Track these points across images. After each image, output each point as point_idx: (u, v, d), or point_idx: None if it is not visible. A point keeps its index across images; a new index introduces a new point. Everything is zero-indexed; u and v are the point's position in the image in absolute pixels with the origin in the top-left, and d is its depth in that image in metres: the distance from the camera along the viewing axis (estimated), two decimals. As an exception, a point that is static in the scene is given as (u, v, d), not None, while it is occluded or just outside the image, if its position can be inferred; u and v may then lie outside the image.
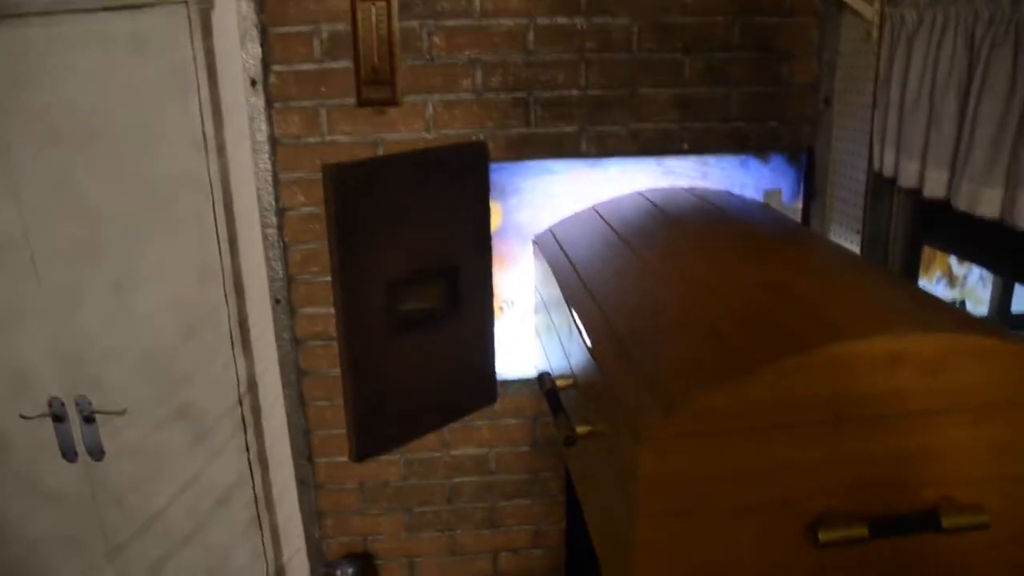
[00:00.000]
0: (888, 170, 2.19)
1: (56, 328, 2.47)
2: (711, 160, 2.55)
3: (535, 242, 2.41)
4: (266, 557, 2.84)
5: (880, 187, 2.34)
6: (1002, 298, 2.60)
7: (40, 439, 2.60)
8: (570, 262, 2.06)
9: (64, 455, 2.62)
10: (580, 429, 1.56)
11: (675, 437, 1.20)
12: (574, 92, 2.38)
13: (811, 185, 2.56)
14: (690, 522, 1.26)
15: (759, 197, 2.61)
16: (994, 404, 1.26)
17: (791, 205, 2.63)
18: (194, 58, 2.27)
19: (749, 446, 1.22)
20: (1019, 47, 1.70)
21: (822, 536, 1.23)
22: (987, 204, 1.82)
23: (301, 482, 2.66)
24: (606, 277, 1.90)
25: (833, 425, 1.24)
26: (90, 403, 2.58)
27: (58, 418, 2.58)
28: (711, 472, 1.23)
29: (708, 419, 1.20)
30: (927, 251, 2.44)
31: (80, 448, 2.62)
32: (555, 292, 1.98)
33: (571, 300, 1.81)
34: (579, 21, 2.32)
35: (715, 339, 1.38)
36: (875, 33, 2.22)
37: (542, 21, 2.31)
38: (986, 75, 1.78)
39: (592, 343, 1.58)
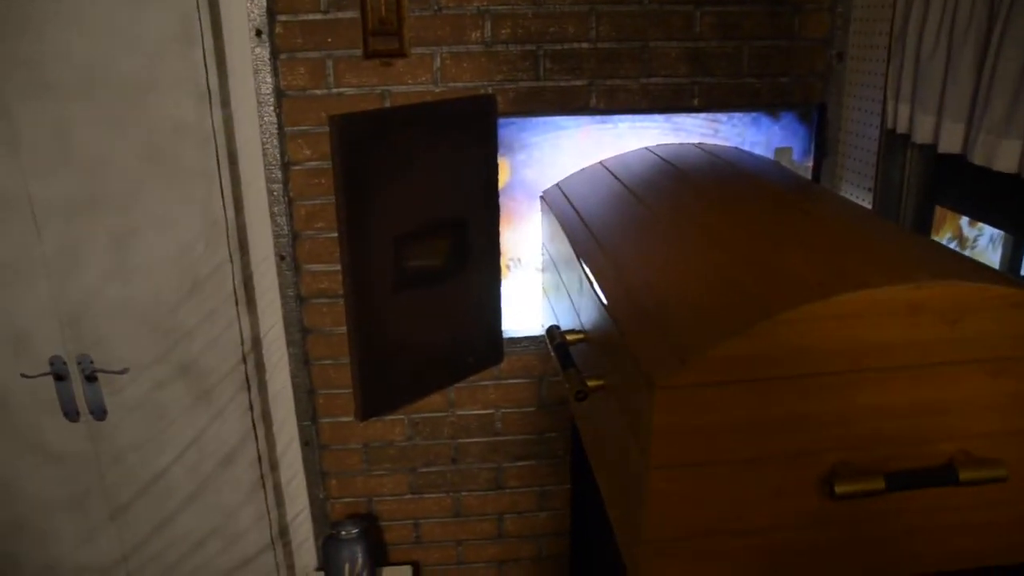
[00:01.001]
0: (902, 126, 2.15)
1: (57, 284, 2.45)
2: (722, 118, 2.51)
3: (543, 198, 2.37)
4: (269, 517, 2.84)
5: (893, 144, 2.30)
6: (1012, 259, 2.57)
7: (42, 398, 2.58)
8: (579, 217, 2.03)
9: (66, 414, 2.61)
10: (592, 383, 1.54)
11: (690, 387, 1.18)
12: (584, 45, 2.33)
13: (822, 142, 2.52)
14: (703, 473, 1.24)
15: (769, 155, 2.57)
16: (1013, 356, 1.24)
17: (802, 163, 2.59)
18: (197, 6, 2.23)
19: (765, 396, 1.20)
20: (1042, -4, 1.66)
21: (838, 488, 1.21)
22: (1005, 157, 1.79)
23: (305, 442, 2.65)
24: (617, 230, 1.86)
25: (851, 375, 1.21)
26: (92, 361, 2.56)
27: (59, 377, 2.56)
28: (726, 422, 1.21)
29: (724, 368, 1.18)
30: (937, 213, 2.41)
31: (82, 407, 2.61)
32: (565, 247, 1.95)
33: (582, 254, 1.78)
34: (589, -29, 2.27)
35: (730, 289, 1.35)
36: (891, -14, 2.17)
37: (552, -29, 2.26)
38: (1007, 24, 1.74)
39: (604, 295, 1.55)
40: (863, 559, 1.32)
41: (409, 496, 2.78)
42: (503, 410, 2.69)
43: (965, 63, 1.89)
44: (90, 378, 2.57)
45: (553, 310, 2.22)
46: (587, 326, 1.72)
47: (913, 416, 1.25)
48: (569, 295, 1.94)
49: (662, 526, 1.26)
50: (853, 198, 2.43)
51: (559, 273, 2.09)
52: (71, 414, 2.61)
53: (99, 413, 2.62)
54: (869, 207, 2.35)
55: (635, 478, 1.30)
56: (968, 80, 1.90)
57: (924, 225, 2.38)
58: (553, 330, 1.79)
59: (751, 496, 1.25)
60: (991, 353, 1.23)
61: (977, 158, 1.86)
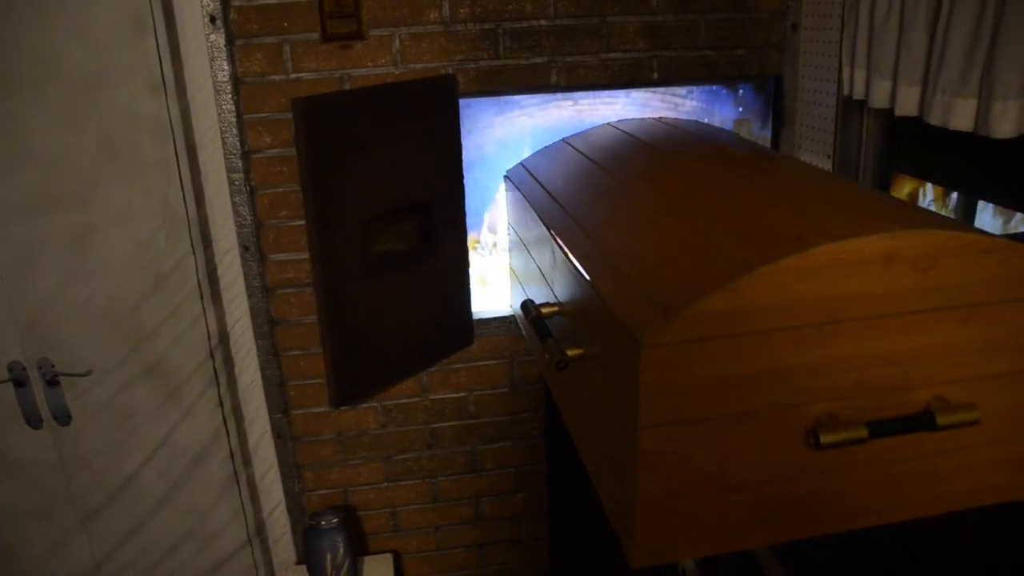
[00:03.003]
0: (858, 92, 2.19)
1: (13, 286, 2.38)
2: (681, 91, 2.54)
3: (507, 177, 2.37)
4: (245, 514, 2.80)
5: (849, 111, 2.34)
6: (965, 219, 2.64)
7: (1, 406, 2.51)
8: (547, 192, 2.03)
9: (28, 422, 2.54)
10: (571, 352, 1.54)
11: (675, 344, 1.19)
12: (543, 22, 2.33)
13: (780, 113, 2.56)
14: (691, 431, 1.25)
15: (729, 127, 2.60)
16: (982, 302, 1.27)
17: (761, 135, 2.62)
18: (148, -5, 2.19)
19: (749, 351, 1.22)
20: (991, -46, 1.70)
21: (823, 438, 1.23)
22: (961, 116, 1.83)
23: (278, 435, 2.62)
24: (587, 202, 1.87)
25: (831, 327, 1.23)
26: (53, 365, 2.50)
27: (20, 383, 2.49)
28: (711, 378, 1.22)
29: (707, 324, 1.19)
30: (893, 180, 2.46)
31: (45, 413, 2.54)
32: (534, 223, 1.95)
33: (553, 227, 1.79)
34: (547, -53, 2.27)
35: (708, 248, 1.36)
36: (842, -46, 2.21)
37: (509, -52, 2.26)
38: (958, -14, 1.78)
39: (580, 263, 1.55)
40: (850, 507, 1.35)
41: (385, 484, 2.77)
42: (476, 392, 2.69)
43: (918, 26, 1.93)
44: (52, 383, 2.51)
45: (523, 287, 2.22)
46: (562, 299, 1.73)
47: (890, 365, 1.28)
48: (541, 271, 1.94)
49: (654, 485, 1.26)
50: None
51: (528, 251, 2.09)
52: (33, 421, 2.54)
53: (63, 418, 2.56)
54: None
55: (624, 441, 1.31)
56: (922, 43, 1.93)
57: (883, 189, 2.42)
58: (528, 304, 1.79)
59: (740, 450, 1.27)
60: (961, 300, 1.26)
61: (933, 119, 1.90)
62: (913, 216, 1.41)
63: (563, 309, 1.72)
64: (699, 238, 1.43)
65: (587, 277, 1.49)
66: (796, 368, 1.24)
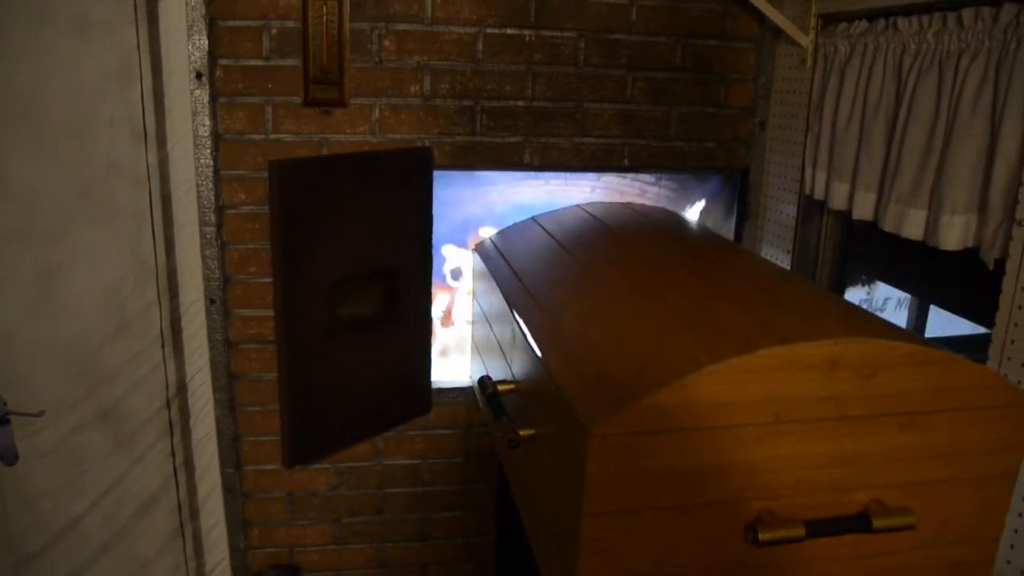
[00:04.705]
0: (819, 192, 2.28)
1: (-27, 321, 2.36)
2: (649, 178, 2.61)
3: (475, 251, 2.42)
4: (187, 568, 2.75)
5: (811, 209, 2.42)
6: (917, 322, 2.72)
7: (-52, 442, 2.47)
8: (512, 270, 2.07)
9: (-27, 458, 2.50)
10: (524, 432, 1.57)
11: (623, 435, 1.22)
12: (520, 103, 2.41)
13: (744, 205, 2.64)
14: (634, 520, 1.28)
15: (694, 216, 2.67)
16: (920, 411, 1.32)
17: (725, 225, 2.70)
18: (138, 46, 2.22)
19: (695, 445, 1.25)
20: (943, 77, 1.80)
21: (762, 535, 1.26)
22: (912, 225, 1.91)
23: (228, 490, 2.59)
24: (549, 284, 1.92)
25: (774, 427, 1.27)
26: (5, 403, 2.46)
27: (-31, 420, 2.46)
28: (657, 470, 1.25)
29: (657, 417, 1.23)
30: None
31: (-8, 451, 2.50)
32: (497, 299, 1.99)
33: (515, 306, 1.83)
34: (528, 33, 2.36)
35: (662, 338, 1.41)
36: (809, 61, 2.32)
37: (492, 31, 2.34)
38: (912, 103, 1.88)
39: (537, 345, 1.59)
40: (785, 604, 1.37)
41: (333, 547, 2.74)
42: (430, 460, 2.69)
43: (877, 136, 2.02)
44: (2, 421, 2.47)
45: (484, 361, 2.25)
46: (519, 377, 1.76)
47: (830, 467, 1.32)
48: (500, 347, 1.97)
49: (595, 571, 1.28)
50: (773, 259, 2.54)
51: (490, 325, 2.13)
52: (-21, 458, 2.50)
53: (9, 457, 2.51)
54: (788, 268, 2.46)
55: (568, 526, 1.33)
56: (879, 152, 2.03)
57: (839, 287, 2.50)
58: (485, 380, 1.82)
59: (682, 542, 1.29)
60: (901, 407, 1.32)
61: (887, 225, 1.98)
62: (859, 323, 1.47)
63: (519, 388, 1.75)
64: (655, 330, 1.48)
65: (544, 361, 1.53)
66: (739, 465, 1.28)
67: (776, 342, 1.26)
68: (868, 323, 1.49)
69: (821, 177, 2.26)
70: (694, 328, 1.42)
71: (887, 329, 1.45)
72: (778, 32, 2.40)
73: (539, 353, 1.56)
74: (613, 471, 1.24)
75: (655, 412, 1.22)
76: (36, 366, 2.44)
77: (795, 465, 1.30)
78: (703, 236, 2.27)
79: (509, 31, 2.35)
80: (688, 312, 1.52)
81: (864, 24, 2.07)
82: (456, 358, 2.70)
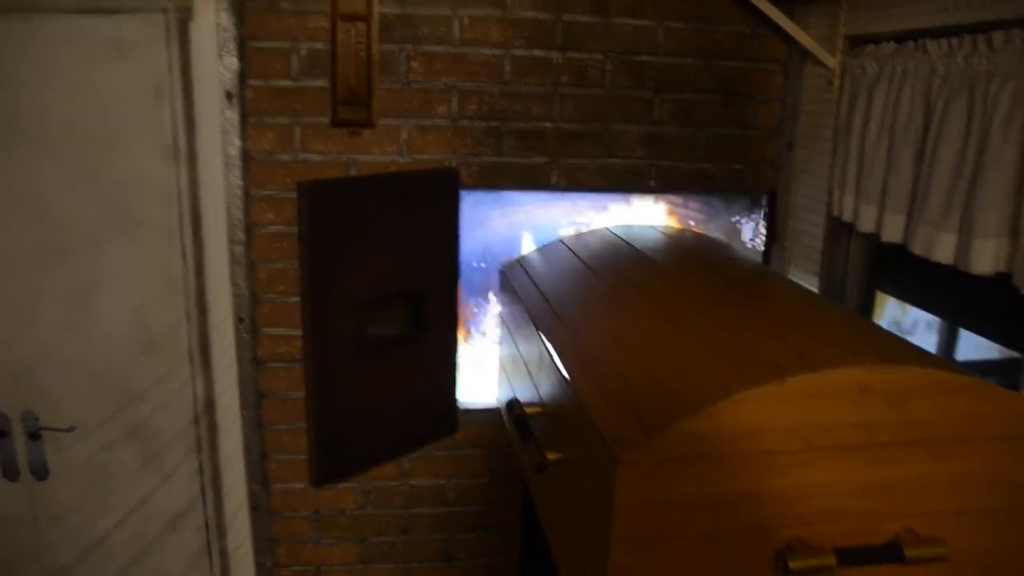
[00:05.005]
0: (847, 214, 2.26)
1: (8, 336, 2.40)
2: (677, 199, 2.61)
3: (503, 272, 2.42)
4: (213, 584, 2.77)
5: (838, 231, 2.41)
6: (947, 344, 2.68)
7: (-20, 456, 2.51)
8: (540, 291, 2.08)
9: (5, 473, 2.53)
10: (551, 455, 1.57)
11: (653, 462, 1.22)
12: (547, 124, 2.42)
13: (772, 227, 2.63)
14: (663, 548, 1.27)
15: (721, 237, 2.67)
16: (954, 438, 1.30)
17: (752, 246, 2.69)
18: (170, 67, 2.26)
19: (724, 473, 1.25)
20: (972, 101, 1.79)
21: (792, 564, 1.25)
22: (942, 249, 1.89)
23: (254, 508, 2.61)
24: (577, 306, 1.92)
25: (804, 454, 1.27)
26: (37, 418, 2.50)
27: (1, 434, 2.49)
28: (686, 498, 1.24)
29: (685, 445, 1.22)
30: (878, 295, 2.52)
31: (23, 466, 2.53)
32: (524, 321, 1.99)
33: (542, 328, 1.83)
34: (555, 55, 2.37)
35: (692, 365, 1.40)
36: (836, 82, 2.31)
37: (519, 53, 2.36)
38: (942, 126, 1.86)
39: (566, 369, 1.59)
40: (815, 634, 1.36)
41: (359, 566, 2.75)
42: (455, 480, 2.69)
43: (905, 159, 2.01)
44: (34, 436, 2.51)
45: (510, 381, 2.25)
46: (546, 400, 1.76)
47: (861, 495, 1.31)
48: (528, 368, 1.97)
49: (622, 600, 1.28)
50: (800, 281, 2.53)
51: (517, 345, 2.13)
52: (11, 473, 2.53)
53: (41, 472, 2.55)
54: (816, 290, 2.44)
55: (595, 552, 1.32)
56: (908, 174, 2.01)
57: (867, 308, 2.48)
58: (512, 403, 1.82)
59: (710, 570, 1.28)
60: (933, 435, 1.30)
61: (916, 248, 1.96)
62: (890, 349, 1.46)
63: (546, 410, 1.75)
64: (683, 355, 1.47)
65: (572, 385, 1.53)
66: (769, 492, 1.27)
67: (806, 369, 1.25)
68: (899, 349, 1.47)
69: (849, 199, 2.24)
70: (723, 354, 1.42)
71: (918, 355, 1.44)
72: (805, 53, 2.40)
73: (567, 376, 1.56)
74: (642, 498, 1.23)
75: (684, 439, 1.22)
76: (67, 383, 2.48)
77: (825, 493, 1.29)
78: (731, 259, 2.27)
79: (536, 53, 2.37)
80: (717, 337, 1.51)
81: (892, 46, 2.06)
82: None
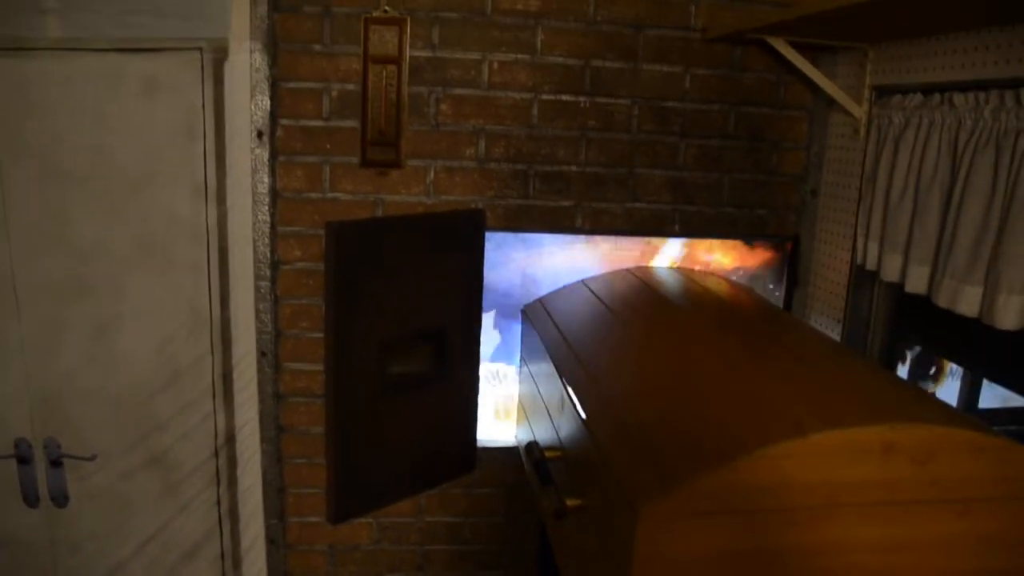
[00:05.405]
0: (871, 263, 2.25)
1: (33, 366, 2.43)
2: (701, 243, 2.62)
3: (524, 312, 2.43)
4: (227, 616, 2.77)
5: (862, 279, 2.40)
6: (970, 393, 2.65)
7: (2, 482, 2.52)
8: (561, 334, 2.08)
9: (26, 499, 2.55)
10: (570, 502, 1.57)
11: (672, 516, 1.22)
12: (573, 168, 2.44)
13: (795, 273, 2.63)
14: (681, 601, 1.26)
15: (744, 281, 2.66)
16: (978, 498, 1.29)
17: (775, 292, 2.69)
18: (203, 105, 2.31)
19: (744, 528, 1.24)
20: (999, 155, 1.78)
21: (812, 622, 1.24)
22: (967, 302, 1.88)
23: (271, 541, 2.61)
24: (598, 351, 1.92)
25: (825, 511, 1.26)
26: (59, 446, 2.52)
27: (23, 460, 2.51)
28: (705, 552, 1.24)
29: (706, 499, 1.22)
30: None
31: (43, 493, 2.55)
32: (545, 363, 2.00)
33: (563, 372, 1.83)
34: (583, 99, 2.40)
35: (713, 416, 1.40)
36: (863, 131, 2.32)
37: (547, 97, 2.39)
38: (968, 179, 1.86)
39: (586, 415, 1.59)
40: None
41: (372, 602, 2.74)
42: (472, 519, 2.69)
43: (931, 210, 2.00)
44: (55, 463, 2.53)
45: (530, 422, 2.25)
46: (566, 444, 1.76)
47: (883, 552, 1.29)
48: (548, 411, 1.97)
49: (639, 653, 1.27)
50: (822, 328, 2.52)
51: (537, 387, 2.13)
52: (31, 499, 2.55)
53: (61, 500, 2.56)
54: (838, 338, 2.43)
55: (613, 602, 1.32)
56: (933, 226, 2.00)
57: (891, 357, 2.46)
58: (532, 446, 1.82)
59: (728, 627, 1.27)
60: (957, 494, 1.29)
61: (941, 301, 1.95)
62: (914, 405, 1.45)
63: (566, 454, 1.75)
64: (705, 405, 1.47)
65: (592, 433, 1.53)
66: (790, 548, 1.26)
67: (828, 426, 1.25)
68: (923, 405, 1.46)
69: (873, 247, 2.24)
70: (745, 405, 1.41)
71: (943, 412, 1.43)
72: (831, 101, 2.41)
73: (588, 424, 1.56)
74: (661, 551, 1.23)
75: (705, 494, 1.21)
76: (90, 412, 2.50)
77: (848, 549, 1.28)
78: (753, 305, 2.26)
79: (564, 97, 2.40)
80: (739, 387, 1.51)
81: (919, 97, 2.07)
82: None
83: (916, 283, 2.07)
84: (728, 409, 1.42)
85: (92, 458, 2.53)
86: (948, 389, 2.63)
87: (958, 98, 1.92)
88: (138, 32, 2.22)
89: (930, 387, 2.54)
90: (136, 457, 2.56)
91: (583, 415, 1.60)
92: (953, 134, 1.94)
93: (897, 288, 2.25)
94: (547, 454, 1.79)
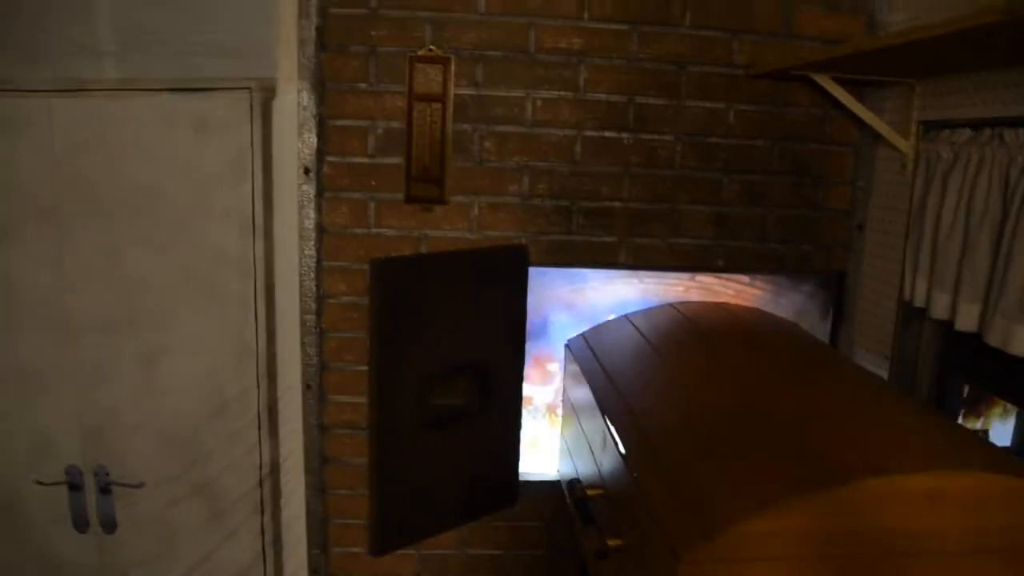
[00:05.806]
0: (919, 300, 2.21)
1: (83, 395, 2.49)
2: (744, 278, 2.60)
3: (568, 347, 2.43)
4: (270, 646, 2.78)
5: (910, 316, 2.36)
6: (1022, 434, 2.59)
7: (53, 507, 2.58)
8: (603, 369, 2.08)
9: (76, 525, 2.60)
10: (612, 542, 1.56)
11: (713, 561, 1.21)
12: (616, 204, 2.45)
13: (841, 309, 2.60)
14: (722, 648, 1.25)
15: (789, 316, 2.64)
16: (1030, 547, 1.26)
17: (820, 327, 2.65)
18: (252, 143, 2.35)
19: (786, 575, 1.22)
20: (1053, 192, 1.75)
21: (858, 673, 1.22)
22: (1019, 343, 1.84)
23: (314, 571, 2.63)
24: (641, 387, 1.91)
25: (870, 559, 1.24)
26: (108, 473, 2.57)
27: (74, 487, 2.56)
28: (747, 598, 1.23)
29: (746, 545, 1.21)
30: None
31: (92, 519, 2.60)
32: (588, 399, 2.00)
33: (606, 409, 1.83)
34: (626, 136, 2.41)
35: (755, 462, 1.39)
36: (910, 166, 2.29)
37: (590, 134, 2.40)
38: (1020, 217, 1.83)
39: (629, 456, 1.59)
40: None
41: (413, 634, 2.74)
42: (514, 552, 2.68)
43: (981, 247, 1.97)
44: (104, 490, 2.58)
45: (572, 457, 2.24)
46: (608, 482, 1.75)
47: (932, 602, 1.27)
48: (590, 447, 1.97)
49: None
50: (869, 366, 2.48)
51: (580, 422, 2.13)
52: (81, 525, 2.60)
53: (109, 526, 2.61)
54: (885, 375, 2.39)
55: (653, 647, 1.31)
56: (984, 263, 1.97)
57: (940, 396, 2.41)
58: (574, 484, 1.82)
59: (770, 676, 1.25)
60: (1009, 542, 1.26)
61: (992, 340, 1.91)
62: (962, 451, 1.42)
63: (608, 493, 1.74)
64: (747, 448, 1.46)
65: (635, 476, 1.52)
66: (834, 597, 1.24)
67: (873, 473, 1.23)
68: (971, 450, 1.44)
69: (922, 284, 2.20)
70: (788, 449, 1.40)
71: (992, 458, 1.40)
72: (877, 136, 2.38)
73: (629, 464, 1.56)
74: (702, 597, 1.22)
75: (746, 540, 1.20)
76: (138, 441, 2.54)
77: (893, 599, 1.26)
78: (798, 341, 2.24)
79: (607, 134, 2.41)
80: (783, 431, 1.49)
81: (968, 132, 2.04)
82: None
83: (966, 321, 2.03)
84: (770, 451, 1.40)
85: (140, 485, 2.57)
86: (1001, 429, 2.57)
87: (1008, 133, 1.89)
88: (190, 73, 2.28)
89: (981, 426, 2.48)
90: (182, 485, 2.60)
91: (624, 453, 1.59)
92: (1004, 170, 1.91)
93: (946, 325, 2.21)
94: (589, 492, 1.79)
